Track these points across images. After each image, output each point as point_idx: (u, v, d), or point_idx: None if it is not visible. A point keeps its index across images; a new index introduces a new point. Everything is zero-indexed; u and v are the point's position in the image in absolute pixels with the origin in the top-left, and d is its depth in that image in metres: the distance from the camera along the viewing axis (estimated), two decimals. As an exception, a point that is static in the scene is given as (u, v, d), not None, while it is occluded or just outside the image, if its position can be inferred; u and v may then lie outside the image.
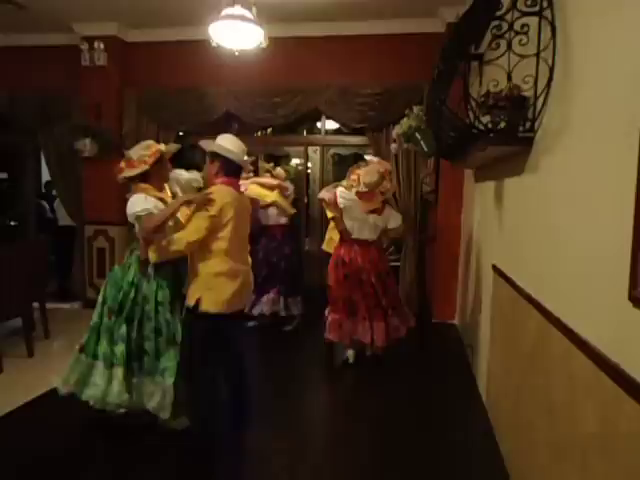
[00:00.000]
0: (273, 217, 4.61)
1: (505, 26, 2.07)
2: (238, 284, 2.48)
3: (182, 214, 2.55)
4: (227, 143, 2.53)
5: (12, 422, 2.84)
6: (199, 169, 3.94)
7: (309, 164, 5.81)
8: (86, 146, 5.10)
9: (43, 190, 7.56)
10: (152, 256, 2.45)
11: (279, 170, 4.74)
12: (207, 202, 2.38)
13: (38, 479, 2.35)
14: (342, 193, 3.67)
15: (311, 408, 3.32)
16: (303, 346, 4.40)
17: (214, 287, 2.42)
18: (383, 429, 2.92)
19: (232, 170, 2.54)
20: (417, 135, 3.68)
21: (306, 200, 5.81)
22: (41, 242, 4.56)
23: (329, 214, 3.97)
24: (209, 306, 2.41)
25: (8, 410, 2.91)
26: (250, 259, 2.73)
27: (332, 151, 5.70)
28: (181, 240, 2.38)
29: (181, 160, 4.34)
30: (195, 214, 2.41)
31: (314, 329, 4.18)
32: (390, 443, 2.75)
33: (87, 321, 2.73)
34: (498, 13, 2.08)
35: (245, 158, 2.65)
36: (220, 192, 2.43)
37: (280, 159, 5.86)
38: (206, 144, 2.54)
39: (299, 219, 5.57)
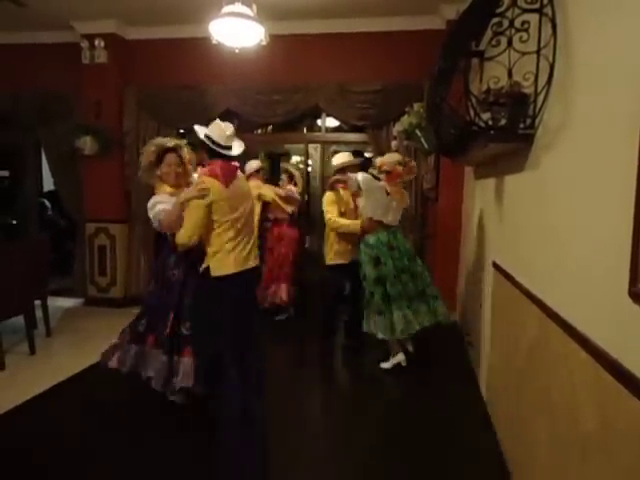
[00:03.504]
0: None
1: (506, 23, 2.07)
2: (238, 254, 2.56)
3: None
4: (207, 129, 2.63)
5: (14, 420, 2.85)
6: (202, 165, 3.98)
7: (309, 161, 5.80)
8: (86, 144, 5.11)
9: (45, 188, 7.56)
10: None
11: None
12: (201, 193, 2.45)
13: (39, 477, 2.35)
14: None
15: (309, 405, 3.33)
16: (302, 340, 4.50)
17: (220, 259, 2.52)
18: (382, 425, 2.93)
19: (217, 153, 2.58)
20: (417, 132, 3.68)
21: (307, 198, 5.78)
22: (43, 240, 4.57)
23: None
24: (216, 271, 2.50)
25: (10, 407, 2.93)
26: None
27: (333, 148, 5.68)
28: (181, 235, 2.48)
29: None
30: (191, 206, 2.47)
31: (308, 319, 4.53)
32: (389, 439, 2.76)
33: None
34: (498, 10, 2.09)
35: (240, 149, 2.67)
36: (209, 181, 2.49)
37: (280, 157, 5.84)
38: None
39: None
